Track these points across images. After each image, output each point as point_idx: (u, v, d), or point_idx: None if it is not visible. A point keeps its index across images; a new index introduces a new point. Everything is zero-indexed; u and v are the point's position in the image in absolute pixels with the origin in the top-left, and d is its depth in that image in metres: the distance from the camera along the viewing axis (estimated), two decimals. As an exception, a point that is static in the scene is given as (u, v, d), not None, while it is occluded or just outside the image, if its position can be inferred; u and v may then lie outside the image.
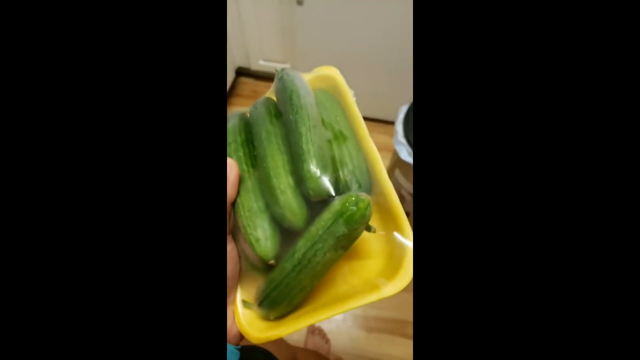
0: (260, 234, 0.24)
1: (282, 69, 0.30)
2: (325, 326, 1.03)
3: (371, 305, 1.11)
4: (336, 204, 0.22)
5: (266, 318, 0.26)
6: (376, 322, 1.05)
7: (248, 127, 0.29)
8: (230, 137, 0.28)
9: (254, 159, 0.27)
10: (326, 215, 0.22)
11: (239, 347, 0.26)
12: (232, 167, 0.24)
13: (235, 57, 1.37)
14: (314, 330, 1.01)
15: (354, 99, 0.29)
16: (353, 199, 0.22)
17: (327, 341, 0.99)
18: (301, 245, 0.23)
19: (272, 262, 0.24)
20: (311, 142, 0.24)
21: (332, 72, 0.30)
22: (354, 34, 1.13)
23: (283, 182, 0.24)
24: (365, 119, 0.28)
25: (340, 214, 0.21)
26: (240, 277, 0.28)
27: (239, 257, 0.27)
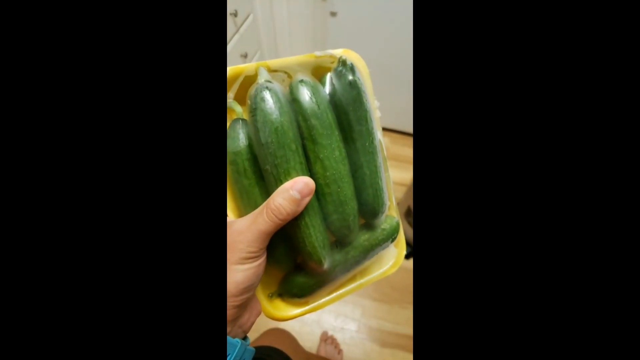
0: (326, 252, 0.27)
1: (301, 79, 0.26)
2: (339, 336, 1.02)
3: (387, 319, 1.08)
4: (386, 225, 0.30)
5: (296, 303, 0.31)
6: (390, 337, 1.03)
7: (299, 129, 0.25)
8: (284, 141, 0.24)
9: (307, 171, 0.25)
10: (380, 235, 0.30)
11: (247, 340, 0.26)
12: (311, 188, 0.24)
13: (267, 64, 1.41)
14: (326, 339, 1.00)
15: (379, 114, 0.30)
16: (395, 222, 0.30)
17: (340, 351, 0.98)
18: (354, 254, 0.29)
19: (326, 268, 0.29)
20: (381, 178, 0.28)
21: (354, 56, 0.29)
22: (384, 46, 1.14)
23: (355, 210, 0.27)
24: (392, 131, 0.28)
25: (390, 234, 0.30)
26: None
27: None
